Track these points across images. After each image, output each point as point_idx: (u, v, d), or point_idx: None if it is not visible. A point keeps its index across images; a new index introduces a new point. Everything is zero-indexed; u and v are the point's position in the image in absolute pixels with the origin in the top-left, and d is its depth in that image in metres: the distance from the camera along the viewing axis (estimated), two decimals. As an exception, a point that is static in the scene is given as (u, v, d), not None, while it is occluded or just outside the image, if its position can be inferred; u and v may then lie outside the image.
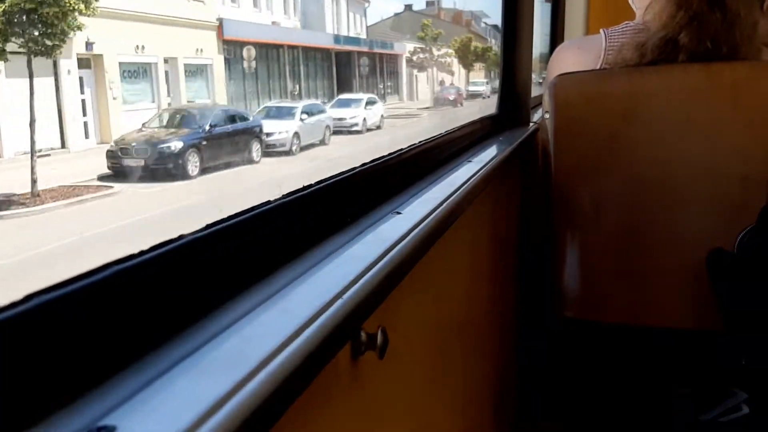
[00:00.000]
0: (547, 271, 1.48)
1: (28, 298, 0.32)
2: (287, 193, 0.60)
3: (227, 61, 20.85)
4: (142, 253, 0.41)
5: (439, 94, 34.09)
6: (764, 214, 1.20)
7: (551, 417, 1.49)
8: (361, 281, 0.51)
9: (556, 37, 2.62)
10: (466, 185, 0.91)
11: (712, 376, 1.50)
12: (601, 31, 1.56)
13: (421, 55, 33.34)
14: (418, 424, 0.75)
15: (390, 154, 0.88)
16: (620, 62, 1.48)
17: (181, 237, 0.44)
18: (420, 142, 1.02)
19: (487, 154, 1.22)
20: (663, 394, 1.50)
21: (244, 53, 21.06)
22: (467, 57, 38.90)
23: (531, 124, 1.77)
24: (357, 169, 0.75)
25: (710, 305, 1.38)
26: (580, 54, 1.58)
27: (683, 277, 1.41)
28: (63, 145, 14.42)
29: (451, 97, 33.08)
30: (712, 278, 1.34)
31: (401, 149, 0.93)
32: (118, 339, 0.36)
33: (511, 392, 1.51)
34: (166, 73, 18.62)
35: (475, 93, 36.99)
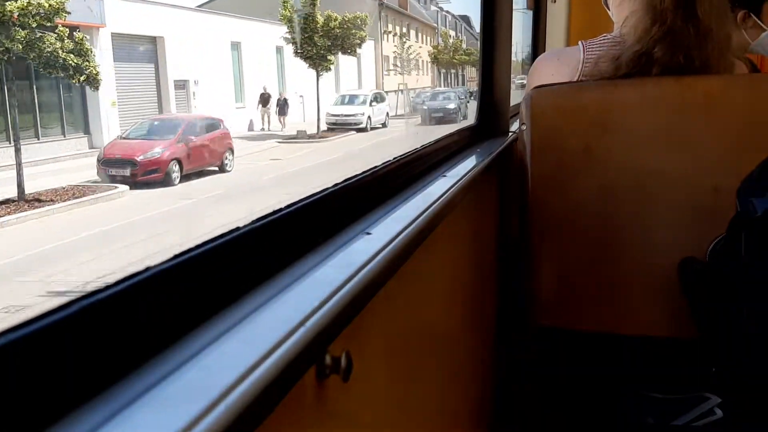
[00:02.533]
0: (523, 280, 1.50)
1: None
2: (257, 218, 0.61)
3: None
4: (107, 287, 0.42)
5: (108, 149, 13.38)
6: (734, 223, 1.23)
7: (528, 425, 1.51)
8: (326, 306, 0.53)
9: (538, 45, 2.65)
10: (439, 201, 0.93)
11: (684, 382, 1.53)
12: (579, 43, 1.59)
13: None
14: None
15: (364, 171, 0.90)
16: (596, 74, 1.51)
17: (147, 269, 0.46)
18: (395, 157, 1.04)
19: (464, 167, 1.24)
20: (636, 400, 1.52)
21: None
22: (313, 43, 18.78)
23: (510, 133, 1.79)
24: (328, 190, 0.77)
25: (682, 313, 1.41)
26: (559, 65, 1.61)
27: (656, 286, 1.43)
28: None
29: (137, 158, 12.37)
30: (683, 286, 1.37)
31: (376, 166, 0.94)
32: (77, 375, 0.37)
33: (487, 403, 1.53)
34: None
35: (340, 122, 18.30)
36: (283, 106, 21.24)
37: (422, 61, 38.51)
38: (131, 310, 0.43)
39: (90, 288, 0.41)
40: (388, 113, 21.50)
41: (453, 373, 1.18)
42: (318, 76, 19.58)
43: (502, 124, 1.74)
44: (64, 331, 0.38)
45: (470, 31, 49.52)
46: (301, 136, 19.21)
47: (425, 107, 22.76)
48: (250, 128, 20.45)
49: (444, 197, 0.96)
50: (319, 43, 19.44)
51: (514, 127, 1.89)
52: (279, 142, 18.51)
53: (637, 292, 1.46)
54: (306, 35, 19.46)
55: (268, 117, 20.87)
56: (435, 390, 1.02)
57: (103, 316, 0.40)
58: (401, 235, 0.74)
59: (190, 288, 0.49)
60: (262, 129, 20.60)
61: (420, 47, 37.62)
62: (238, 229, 0.57)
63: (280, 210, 0.65)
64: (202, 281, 0.50)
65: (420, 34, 40.64)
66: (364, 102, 20.37)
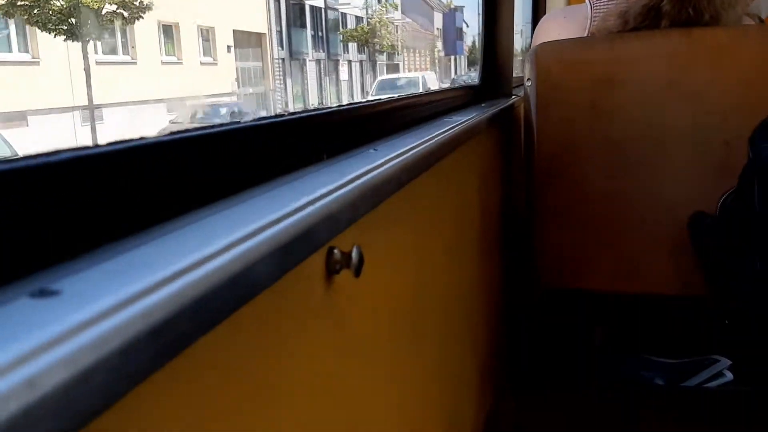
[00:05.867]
0: (530, 239, 1.47)
1: None
2: (260, 117, 0.58)
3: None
4: (108, 144, 0.38)
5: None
6: (746, 171, 1.19)
7: (535, 385, 1.48)
8: (334, 195, 0.49)
9: (539, 6, 2.61)
10: (445, 134, 0.90)
11: (695, 342, 1.50)
12: (586, 0, 1.56)
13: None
14: (398, 345, 0.74)
15: (368, 101, 0.87)
16: (604, 31, 1.48)
17: (173, 133, 0.42)
18: (399, 96, 1.01)
19: (468, 116, 1.21)
20: (647, 361, 1.50)
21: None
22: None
23: (513, 96, 1.76)
24: (334, 109, 0.73)
25: (693, 270, 1.38)
26: (566, 23, 1.58)
27: (665, 242, 1.41)
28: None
29: None
30: (693, 240, 1.34)
31: (380, 99, 0.91)
32: (80, 221, 0.34)
33: (494, 353, 1.49)
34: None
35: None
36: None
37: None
38: (131, 174, 0.39)
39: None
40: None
41: (461, 302, 1.15)
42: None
43: (505, 85, 1.71)
44: (62, 173, 0.34)
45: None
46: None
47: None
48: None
49: (451, 131, 0.93)
50: None
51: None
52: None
53: (647, 250, 1.43)
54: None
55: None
56: (443, 313, 0.99)
57: (95, 173, 0.37)
58: (408, 153, 0.71)
59: (192, 167, 0.45)
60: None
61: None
62: (237, 122, 0.54)
63: (283, 115, 0.61)
64: (206, 163, 0.47)
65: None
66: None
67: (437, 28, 34.99)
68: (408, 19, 31.02)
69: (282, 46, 22.54)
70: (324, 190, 0.49)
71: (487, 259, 1.41)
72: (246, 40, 20.15)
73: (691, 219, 1.35)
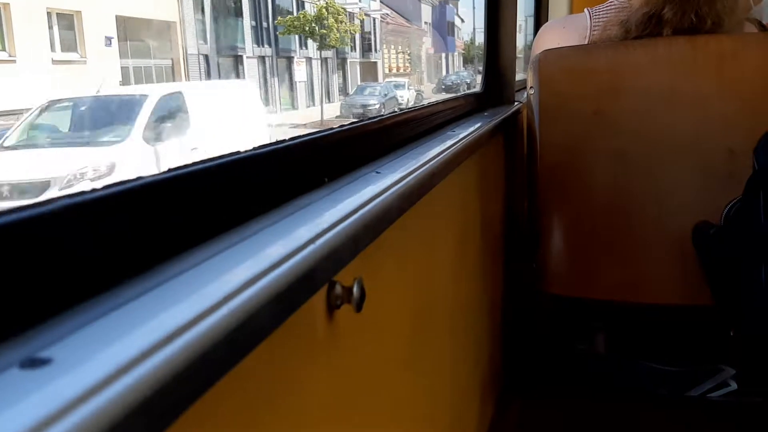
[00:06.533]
0: (534, 248, 1.46)
1: None
2: (259, 146, 0.57)
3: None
4: (105, 186, 0.37)
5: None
6: (751, 183, 1.18)
7: (538, 394, 1.47)
8: (336, 229, 0.48)
9: (540, 15, 2.60)
10: (448, 151, 0.89)
11: (700, 352, 1.49)
12: (585, 10, 1.54)
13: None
14: (403, 371, 0.73)
15: (371, 118, 0.86)
16: (605, 40, 1.47)
17: (139, 178, 0.41)
18: (402, 110, 1.00)
19: (471, 127, 1.20)
20: (650, 369, 1.49)
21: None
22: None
23: (516, 102, 1.75)
24: (335, 130, 0.72)
25: (697, 280, 1.37)
26: (565, 33, 1.56)
27: (669, 252, 1.39)
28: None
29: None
30: (698, 250, 1.33)
31: (382, 115, 0.90)
32: (70, 277, 0.33)
33: (496, 365, 1.49)
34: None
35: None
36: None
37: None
38: (133, 216, 0.38)
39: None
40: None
41: (463, 325, 1.14)
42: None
43: (508, 92, 1.70)
44: (56, 225, 0.33)
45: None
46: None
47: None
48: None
49: (453, 148, 0.92)
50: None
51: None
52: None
53: (650, 259, 1.41)
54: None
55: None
56: (447, 338, 0.98)
57: (96, 217, 0.36)
58: (411, 176, 0.70)
59: (190, 203, 0.44)
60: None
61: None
62: (239, 152, 0.53)
63: (284, 141, 0.60)
64: (205, 198, 0.46)
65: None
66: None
67: (425, 23, 30.72)
68: (388, 11, 26.70)
69: (205, 40, 16.90)
70: (326, 225, 0.48)
71: (490, 269, 1.40)
72: (143, 31, 14.54)
73: (695, 229, 1.34)
